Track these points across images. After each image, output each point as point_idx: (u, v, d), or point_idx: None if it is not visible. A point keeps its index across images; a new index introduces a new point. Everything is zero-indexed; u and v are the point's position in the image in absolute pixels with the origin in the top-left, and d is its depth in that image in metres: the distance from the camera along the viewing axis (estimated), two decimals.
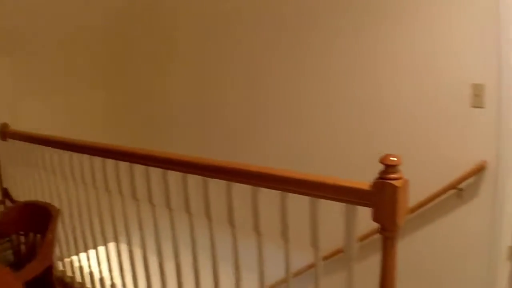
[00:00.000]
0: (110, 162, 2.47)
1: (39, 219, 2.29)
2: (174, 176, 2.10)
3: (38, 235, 2.39)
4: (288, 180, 1.65)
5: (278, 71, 3.75)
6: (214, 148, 4.27)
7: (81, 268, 3.14)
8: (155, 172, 2.20)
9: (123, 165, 2.37)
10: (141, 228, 2.42)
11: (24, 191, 3.60)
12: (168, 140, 4.74)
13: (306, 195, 1.59)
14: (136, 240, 2.46)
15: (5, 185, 3.75)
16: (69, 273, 3.31)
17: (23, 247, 2.72)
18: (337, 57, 3.36)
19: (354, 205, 1.49)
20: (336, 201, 1.51)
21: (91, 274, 3.03)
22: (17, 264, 2.67)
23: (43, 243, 2.07)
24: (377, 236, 1.45)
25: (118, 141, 3.36)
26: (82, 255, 3.07)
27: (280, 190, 1.68)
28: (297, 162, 3.55)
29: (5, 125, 3.66)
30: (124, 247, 2.58)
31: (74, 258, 3.22)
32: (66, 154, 2.87)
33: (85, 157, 2.69)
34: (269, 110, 3.88)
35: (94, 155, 2.61)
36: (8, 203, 3.64)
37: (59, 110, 4.48)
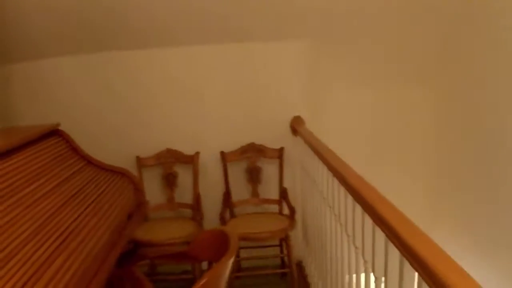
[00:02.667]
0: None
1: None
2: None
3: None
4: None
5: None
6: None
7: None
8: None
9: None
10: None
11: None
12: None
13: None
14: None
15: (285, 185, 3.70)
16: None
17: None
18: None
19: None
20: None
21: None
22: None
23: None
24: None
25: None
26: None
27: None
28: None
29: (298, 120, 3.55)
30: None
31: None
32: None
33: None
34: None
35: None
36: (284, 204, 3.59)
37: (371, 104, 3.83)
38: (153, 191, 3.70)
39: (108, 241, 2.06)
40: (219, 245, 1.89)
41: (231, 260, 1.75)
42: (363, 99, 3.76)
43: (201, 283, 1.58)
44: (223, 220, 3.37)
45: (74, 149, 2.75)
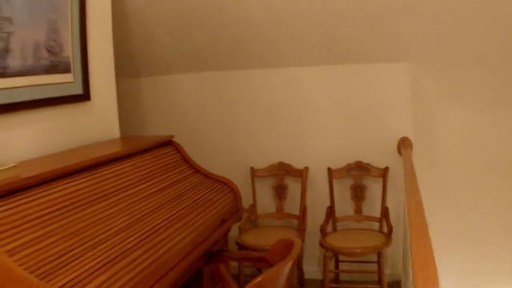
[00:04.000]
0: None
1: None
2: None
3: None
4: None
5: None
6: None
7: None
8: None
9: None
10: None
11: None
12: None
13: None
14: None
15: (388, 204, 3.80)
16: None
17: None
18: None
19: None
20: None
21: None
22: None
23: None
24: None
25: None
26: None
27: None
28: None
29: (404, 141, 3.63)
30: None
31: None
32: None
33: None
34: None
35: None
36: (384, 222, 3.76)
37: (483, 128, 3.74)
38: (264, 200, 4.00)
39: (191, 241, 2.37)
40: (288, 251, 2.09)
41: (287, 266, 1.95)
42: (472, 121, 3.74)
43: (255, 281, 1.82)
44: (323, 233, 3.56)
45: (184, 159, 3.12)
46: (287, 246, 2.16)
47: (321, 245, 3.49)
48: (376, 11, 3.31)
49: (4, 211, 1.83)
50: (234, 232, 3.73)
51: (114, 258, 1.92)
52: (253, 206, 3.95)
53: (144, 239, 2.15)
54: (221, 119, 4.09)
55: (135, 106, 4.30)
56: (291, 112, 3.90)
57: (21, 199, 1.94)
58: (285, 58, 3.77)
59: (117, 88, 3.38)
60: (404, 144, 3.56)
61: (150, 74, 4.18)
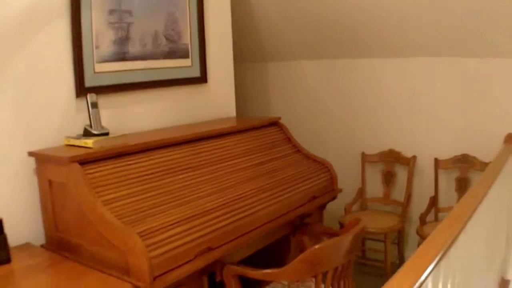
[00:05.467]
0: None
1: None
2: None
3: None
4: None
5: None
6: None
7: None
8: None
9: None
10: None
11: None
12: None
13: None
14: None
15: None
16: None
17: None
18: None
19: None
20: None
21: None
22: None
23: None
24: None
25: None
26: None
27: None
28: None
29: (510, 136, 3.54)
30: None
31: None
32: None
33: None
34: None
35: None
36: None
37: None
38: (372, 185, 4.16)
39: (273, 211, 2.66)
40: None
41: (346, 239, 2.17)
42: None
43: (313, 248, 2.08)
44: (422, 222, 3.65)
45: (288, 138, 3.41)
46: (355, 224, 2.37)
47: (418, 233, 3.58)
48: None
49: (109, 169, 2.28)
50: (340, 212, 3.97)
51: (195, 215, 2.29)
52: (362, 190, 4.13)
53: (227, 203, 2.48)
54: (336, 105, 4.32)
55: (259, 88, 4.67)
56: (404, 102, 3.99)
57: (125, 161, 2.37)
58: (403, 48, 3.86)
59: (242, 71, 3.73)
60: (509, 140, 3.50)
61: (273, 59, 4.52)
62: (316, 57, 4.30)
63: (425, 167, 3.95)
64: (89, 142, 2.33)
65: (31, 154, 2.42)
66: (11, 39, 2.37)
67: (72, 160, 2.18)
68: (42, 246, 2.47)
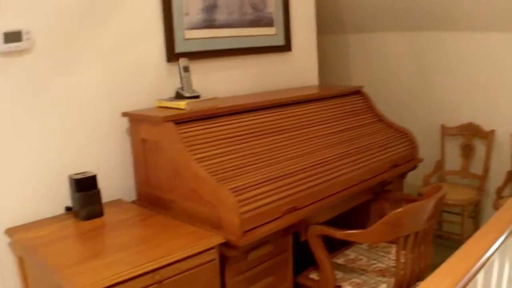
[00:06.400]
0: None
1: None
2: None
3: None
4: None
5: None
6: None
7: None
8: None
9: None
10: None
11: None
12: None
13: None
14: None
15: None
16: None
17: None
18: None
19: None
20: None
21: None
22: None
23: None
24: None
25: None
26: None
27: None
28: None
29: None
30: None
31: None
32: None
33: None
34: None
35: None
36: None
37: None
38: (451, 158, 4.11)
39: (355, 176, 2.70)
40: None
41: (428, 204, 2.19)
42: None
43: (396, 211, 2.12)
44: (498, 196, 3.60)
45: (370, 108, 3.42)
46: (435, 191, 2.37)
47: (494, 207, 3.53)
48: None
49: (201, 129, 2.38)
50: (418, 183, 3.96)
51: (281, 176, 2.37)
52: (440, 162, 4.09)
53: (311, 166, 2.55)
54: (417, 77, 4.27)
55: (338, 60, 4.68)
56: (486, 76, 3.90)
57: (215, 123, 2.47)
58: (487, 22, 3.77)
59: (322, 43, 3.75)
60: None
61: (355, 31, 4.50)
62: (398, 29, 4.26)
63: (503, 141, 3.87)
64: (182, 104, 2.44)
65: (125, 114, 2.56)
66: (104, 5, 2.51)
67: (167, 119, 2.30)
68: (133, 202, 2.62)
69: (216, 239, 2.03)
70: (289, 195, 2.30)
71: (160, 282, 1.86)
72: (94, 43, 2.50)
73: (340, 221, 2.71)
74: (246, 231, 2.08)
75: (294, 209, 2.31)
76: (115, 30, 2.57)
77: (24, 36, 2.23)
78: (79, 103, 2.48)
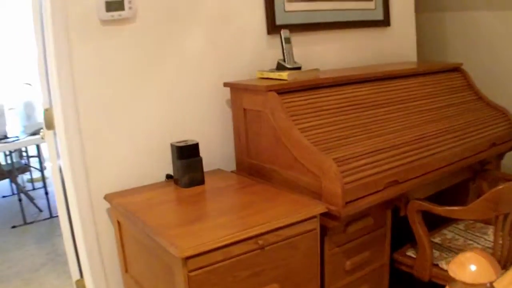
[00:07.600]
0: None
1: None
2: None
3: None
4: None
5: None
6: None
7: None
8: None
9: None
10: None
11: None
12: None
13: None
14: None
15: None
16: None
17: None
18: None
19: None
20: None
21: None
22: None
23: None
24: None
25: None
26: None
27: None
28: None
29: None
30: None
31: None
32: None
33: None
34: None
35: None
36: None
37: None
38: None
39: (456, 153, 2.63)
40: None
41: None
42: None
43: (497, 188, 2.06)
44: None
45: (469, 85, 3.31)
46: None
47: None
48: None
49: (302, 100, 2.39)
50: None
51: (381, 149, 2.35)
52: None
53: (413, 140, 2.51)
54: None
55: (435, 38, 4.54)
56: None
57: (317, 94, 2.48)
58: None
59: (422, 19, 3.67)
60: None
61: (453, 9, 4.35)
62: (500, 8, 4.07)
63: None
64: (284, 74, 2.46)
65: (226, 84, 2.61)
66: None
67: (270, 89, 2.32)
68: (232, 172, 2.68)
69: (319, 208, 2.04)
70: (391, 168, 2.28)
71: (262, 247, 1.89)
72: (196, 14, 2.55)
73: (438, 201, 2.67)
74: (348, 202, 2.08)
75: (395, 182, 2.29)
76: (218, 3, 2.61)
77: (127, 5, 2.29)
78: (185, 72, 2.54)
